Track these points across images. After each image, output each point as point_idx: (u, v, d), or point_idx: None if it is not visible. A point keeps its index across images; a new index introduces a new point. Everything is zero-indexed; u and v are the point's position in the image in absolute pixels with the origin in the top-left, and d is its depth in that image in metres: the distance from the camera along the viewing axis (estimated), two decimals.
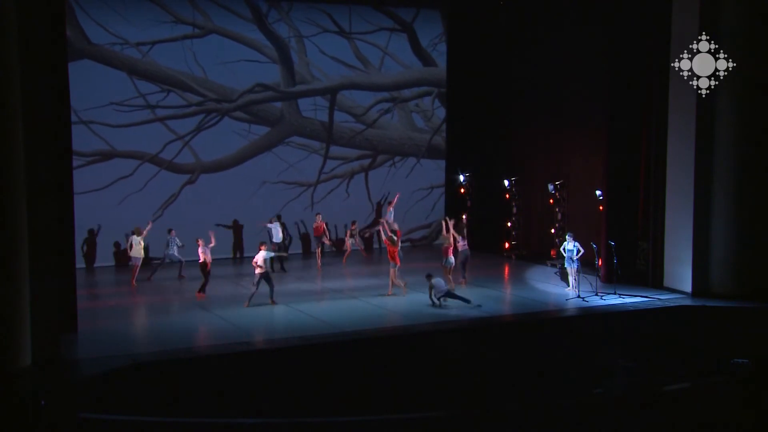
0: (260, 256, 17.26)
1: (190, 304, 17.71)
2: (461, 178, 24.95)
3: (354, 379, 13.88)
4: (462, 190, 25.22)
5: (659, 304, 17.74)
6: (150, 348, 14.58)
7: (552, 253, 22.40)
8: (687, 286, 18.36)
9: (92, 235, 22.00)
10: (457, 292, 17.69)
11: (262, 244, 17.83)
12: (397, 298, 18.15)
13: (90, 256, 21.99)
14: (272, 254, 18.41)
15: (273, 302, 17.40)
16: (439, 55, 26.05)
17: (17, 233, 12.94)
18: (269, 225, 21.77)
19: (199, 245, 18.00)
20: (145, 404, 12.22)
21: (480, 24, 25.16)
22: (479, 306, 17.25)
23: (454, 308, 17.32)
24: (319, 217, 22.63)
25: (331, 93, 24.70)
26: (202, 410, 12.08)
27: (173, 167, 22.94)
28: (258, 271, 17.20)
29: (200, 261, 18.00)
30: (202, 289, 18.06)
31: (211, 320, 16.48)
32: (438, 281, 17.49)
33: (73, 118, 21.39)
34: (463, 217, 21.74)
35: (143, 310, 17.65)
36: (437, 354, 15.17)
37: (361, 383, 13.75)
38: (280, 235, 21.78)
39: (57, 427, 10.18)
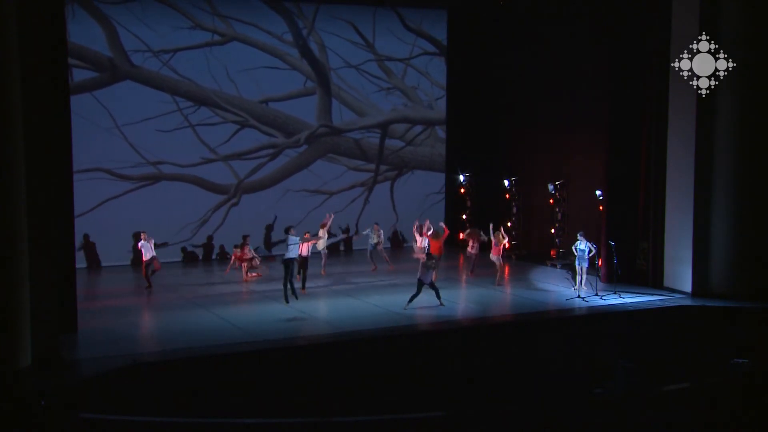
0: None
1: (190, 304, 17.72)
2: (461, 178, 24.96)
3: (354, 379, 13.89)
4: (462, 190, 25.22)
5: (659, 304, 17.74)
6: (150, 348, 14.59)
7: (552, 253, 22.40)
8: (687, 286, 18.37)
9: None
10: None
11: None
12: (397, 298, 18.14)
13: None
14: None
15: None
16: None
17: (17, 233, 12.94)
18: (141, 242, 19.21)
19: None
20: (145, 404, 12.22)
21: (480, 24, 25.16)
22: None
23: (453, 308, 17.35)
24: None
25: (382, 127, 25.17)
26: (202, 410, 12.09)
27: (215, 188, 23.33)
28: None
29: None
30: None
31: (211, 320, 16.48)
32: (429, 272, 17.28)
33: (129, 149, 22.15)
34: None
35: (143, 310, 17.64)
36: (437, 354, 15.18)
37: (361, 383, 13.75)
38: (150, 254, 19.21)
39: (57, 427, 10.16)
